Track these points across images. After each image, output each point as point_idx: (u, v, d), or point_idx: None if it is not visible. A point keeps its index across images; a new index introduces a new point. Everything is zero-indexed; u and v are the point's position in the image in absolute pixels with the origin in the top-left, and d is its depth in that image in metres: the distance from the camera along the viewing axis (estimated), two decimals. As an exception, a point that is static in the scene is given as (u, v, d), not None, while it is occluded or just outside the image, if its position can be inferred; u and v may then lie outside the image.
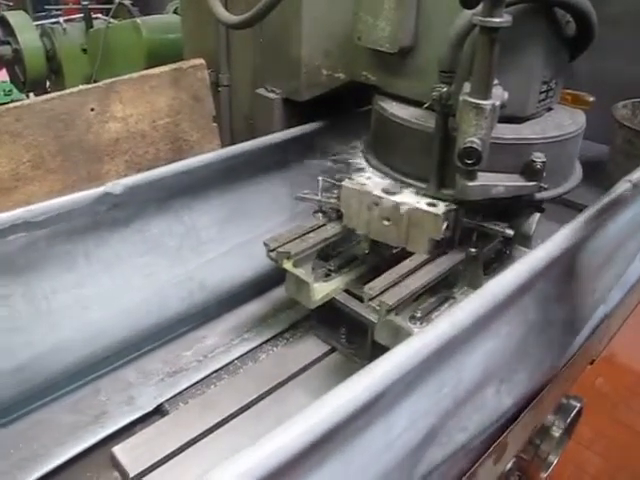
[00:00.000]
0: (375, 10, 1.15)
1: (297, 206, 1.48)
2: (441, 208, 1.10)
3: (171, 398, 1.20)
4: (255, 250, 1.31)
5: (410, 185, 1.18)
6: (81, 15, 3.40)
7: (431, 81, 1.05)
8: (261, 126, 1.71)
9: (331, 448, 0.66)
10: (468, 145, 0.98)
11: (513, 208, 1.22)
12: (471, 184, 1.04)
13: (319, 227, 1.29)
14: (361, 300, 1.12)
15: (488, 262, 1.28)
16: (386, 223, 1.14)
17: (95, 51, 2.99)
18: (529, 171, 1.10)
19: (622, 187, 1.18)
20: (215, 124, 1.92)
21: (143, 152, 1.82)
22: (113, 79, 1.76)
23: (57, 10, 4.28)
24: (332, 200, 1.29)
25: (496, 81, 0.98)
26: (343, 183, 1.19)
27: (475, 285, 1.17)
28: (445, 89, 1.03)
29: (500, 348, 0.94)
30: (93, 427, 1.13)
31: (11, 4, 4.08)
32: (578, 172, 1.28)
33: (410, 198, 1.14)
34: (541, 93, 1.15)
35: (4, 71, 3.53)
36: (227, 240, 1.44)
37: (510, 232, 1.13)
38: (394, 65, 1.21)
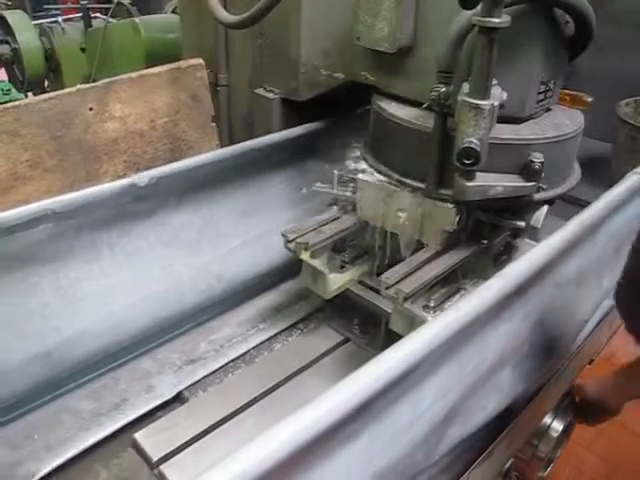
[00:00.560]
0: (374, 10, 1.15)
1: (306, 202, 1.53)
2: (454, 201, 1.12)
3: (190, 386, 1.23)
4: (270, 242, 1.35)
5: (408, 185, 1.18)
6: (80, 14, 3.40)
7: (430, 81, 1.05)
8: (260, 126, 1.70)
9: (367, 419, 0.68)
10: (467, 145, 0.98)
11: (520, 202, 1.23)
12: (469, 184, 1.04)
13: (335, 219, 1.32)
14: (375, 291, 1.15)
15: (497, 254, 1.30)
16: (401, 215, 1.17)
17: (94, 50, 2.98)
18: (528, 171, 1.10)
19: (631, 179, 1.18)
20: (214, 124, 1.92)
21: (142, 152, 1.81)
22: (112, 79, 1.75)
23: (56, 9, 4.29)
24: (347, 193, 1.32)
25: (495, 81, 0.98)
26: (359, 176, 1.22)
27: (485, 277, 1.17)
28: (444, 89, 1.03)
29: (516, 331, 0.96)
30: (114, 413, 1.15)
31: (10, 3, 4.07)
32: (577, 172, 1.28)
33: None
34: (540, 94, 1.15)
35: (2, 70, 3.52)
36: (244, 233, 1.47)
37: (522, 223, 1.16)
38: (393, 65, 1.21)
